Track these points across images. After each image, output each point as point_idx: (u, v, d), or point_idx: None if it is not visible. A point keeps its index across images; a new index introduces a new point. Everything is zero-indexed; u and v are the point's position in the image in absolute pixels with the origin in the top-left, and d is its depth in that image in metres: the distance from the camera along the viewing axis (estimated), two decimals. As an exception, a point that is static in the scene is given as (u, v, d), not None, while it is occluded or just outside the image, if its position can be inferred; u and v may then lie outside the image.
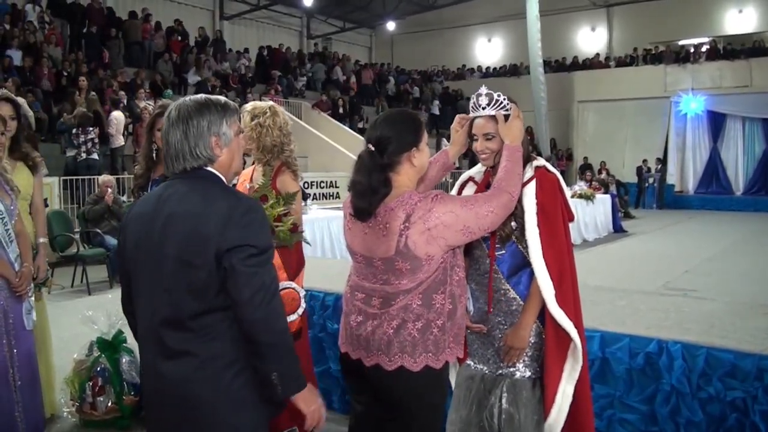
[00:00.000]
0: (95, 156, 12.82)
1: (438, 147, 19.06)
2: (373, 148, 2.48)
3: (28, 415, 3.60)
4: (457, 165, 3.33)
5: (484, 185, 2.86)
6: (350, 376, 2.68)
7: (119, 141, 14.05)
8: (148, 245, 2.16)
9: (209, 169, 2.22)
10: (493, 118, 2.70)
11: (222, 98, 2.30)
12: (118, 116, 14.05)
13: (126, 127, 14.55)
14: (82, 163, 12.63)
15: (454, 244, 2.44)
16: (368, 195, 2.44)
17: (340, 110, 22.55)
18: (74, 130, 12.65)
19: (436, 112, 25.90)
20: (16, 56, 14.74)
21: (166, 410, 2.17)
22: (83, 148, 12.58)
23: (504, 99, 2.69)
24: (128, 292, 2.30)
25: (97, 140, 12.98)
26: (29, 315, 3.65)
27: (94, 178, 12.33)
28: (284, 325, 2.13)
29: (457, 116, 2.89)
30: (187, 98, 2.27)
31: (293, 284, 3.64)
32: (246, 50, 23.38)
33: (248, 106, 3.85)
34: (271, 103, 3.94)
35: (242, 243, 2.05)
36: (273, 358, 2.09)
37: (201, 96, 2.28)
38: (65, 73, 15.32)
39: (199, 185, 2.17)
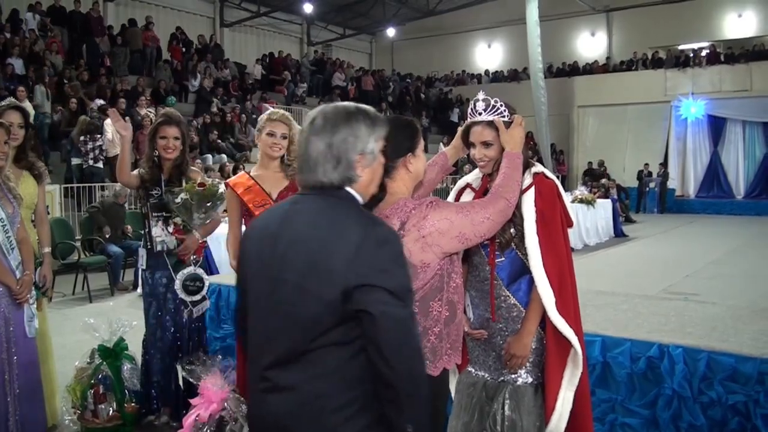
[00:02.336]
0: (100, 164, 12.88)
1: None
2: None
3: (29, 424, 3.60)
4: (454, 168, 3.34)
5: (482, 192, 2.86)
6: None
7: (116, 150, 13.92)
8: (267, 265, 1.95)
9: (348, 189, 1.99)
10: (491, 125, 2.70)
11: (370, 109, 2.10)
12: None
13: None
14: (87, 170, 12.71)
15: (449, 251, 2.43)
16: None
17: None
18: (81, 138, 12.70)
19: (455, 119, 25.88)
20: (17, 64, 14.77)
21: None
22: (90, 155, 12.65)
23: (501, 105, 2.69)
24: (243, 307, 2.09)
25: (104, 147, 13.06)
26: (31, 323, 3.65)
27: (95, 186, 12.38)
28: (424, 372, 1.96)
29: (465, 123, 2.89)
30: (333, 105, 2.07)
31: None
32: (256, 59, 23.39)
33: (283, 113, 3.97)
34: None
35: (375, 283, 1.81)
36: (411, 408, 1.88)
37: (350, 104, 2.07)
38: (66, 81, 15.33)
39: (332, 206, 1.95)
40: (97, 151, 12.77)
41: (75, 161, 12.98)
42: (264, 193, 3.85)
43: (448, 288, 2.47)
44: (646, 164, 23.43)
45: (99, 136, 12.88)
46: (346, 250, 1.83)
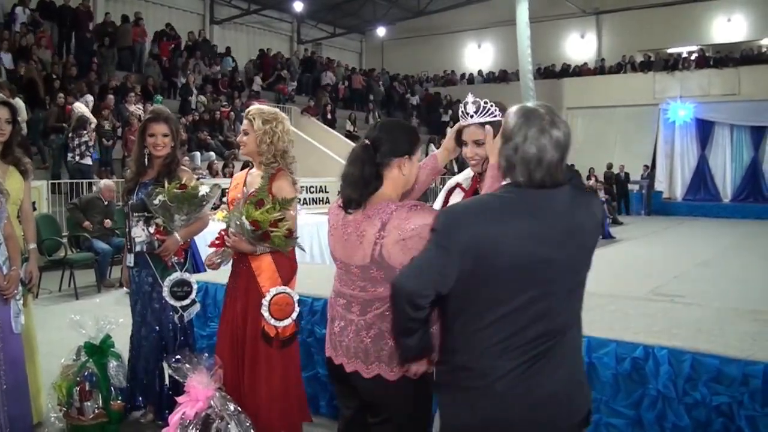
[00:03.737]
0: (88, 161, 12.82)
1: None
2: (368, 143, 2.50)
3: (14, 421, 3.58)
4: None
5: (472, 192, 2.87)
6: (336, 381, 2.70)
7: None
8: (558, 256, 2.06)
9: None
10: (483, 124, 2.71)
11: None
12: (77, 107, 13.83)
13: (115, 131, 14.50)
14: (74, 166, 12.67)
15: None
16: (360, 186, 2.46)
17: (329, 116, 22.59)
18: (70, 134, 12.66)
19: (447, 119, 25.91)
20: (6, 59, 14.68)
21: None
22: (77, 152, 12.59)
23: (491, 106, 2.69)
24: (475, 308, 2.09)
25: (91, 143, 12.99)
26: (17, 318, 3.63)
27: (83, 182, 12.32)
28: None
29: (457, 125, 2.89)
30: (541, 104, 2.17)
31: (287, 289, 3.71)
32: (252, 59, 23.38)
33: (254, 109, 3.90)
34: (277, 109, 4.00)
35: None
36: None
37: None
38: (54, 76, 15.24)
39: (577, 192, 2.15)
40: (83, 147, 12.70)
41: (69, 156, 12.93)
42: (241, 193, 3.87)
43: None
44: (621, 166, 23.35)
45: (84, 132, 12.81)
46: (597, 225, 2.21)
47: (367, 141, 2.52)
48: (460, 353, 2.11)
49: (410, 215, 2.38)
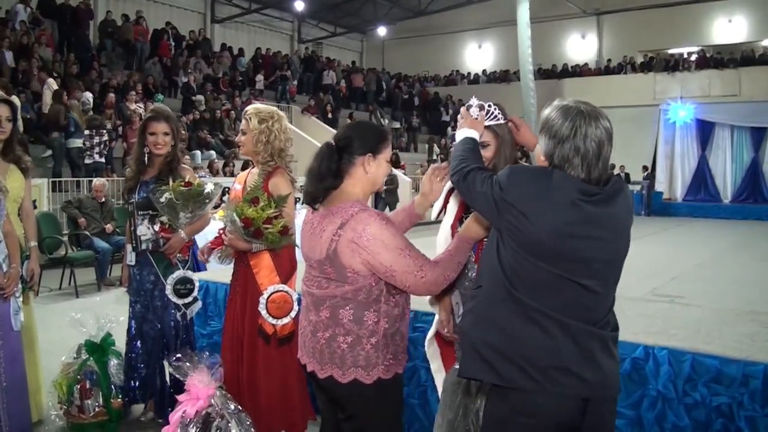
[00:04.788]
0: (103, 159, 12.91)
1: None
2: (333, 143, 2.54)
3: (14, 418, 3.58)
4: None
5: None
6: (308, 377, 2.70)
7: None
8: (603, 246, 2.25)
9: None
10: (488, 127, 2.71)
11: None
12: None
13: (116, 129, 14.51)
14: (90, 165, 12.79)
15: (376, 272, 2.43)
16: (316, 180, 2.50)
17: (330, 115, 22.58)
18: (87, 132, 12.72)
19: (447, 119, 25.90)
20: (7, 56, 14.67)
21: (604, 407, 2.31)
22: (96, 150, 12.68)
23: (495, 109, 2.69)
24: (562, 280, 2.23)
25: (108, 142, 13.09)
26: (17, 316, 3.64)
27: (83, 180, 12.33)
28: None
29: (431, 167, 2.84)
30: (586, 103, 2.25)
31: (286, 287, 3.72)
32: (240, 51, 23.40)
33: (251, 108, 3.92)
34: (274, 108, 4.01)
35: None
36: None
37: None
38: (55, 74, 15.23)
39: (627, 194, 2.34)
40: (102, 146, 12.88)
41: (75, 143, 12.99)
42: (240, 190, 3.90)
43: (388, 302, 2.48)
44: (622, 166, 23.26)
45: (104, 131, 13.05)
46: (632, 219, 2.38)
47: (332, 141, 2.56)
48: (516, 331, 2.19)
49: (371, 222, 2.40)
